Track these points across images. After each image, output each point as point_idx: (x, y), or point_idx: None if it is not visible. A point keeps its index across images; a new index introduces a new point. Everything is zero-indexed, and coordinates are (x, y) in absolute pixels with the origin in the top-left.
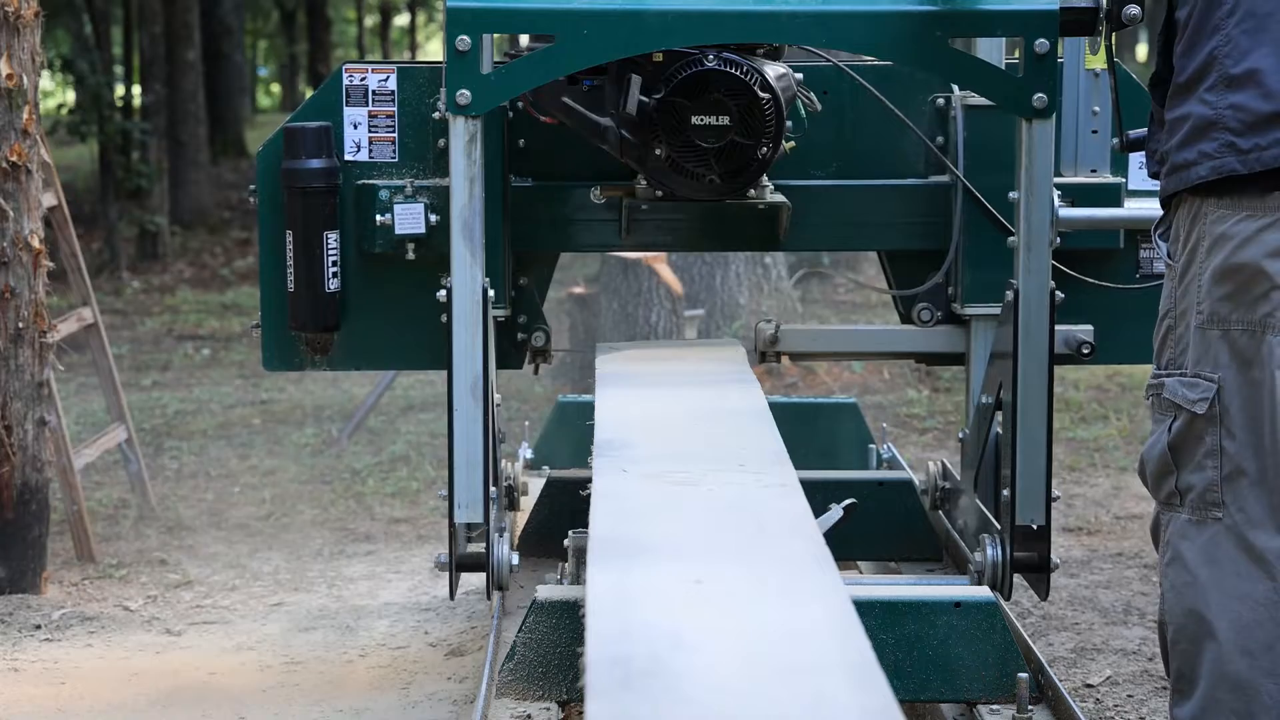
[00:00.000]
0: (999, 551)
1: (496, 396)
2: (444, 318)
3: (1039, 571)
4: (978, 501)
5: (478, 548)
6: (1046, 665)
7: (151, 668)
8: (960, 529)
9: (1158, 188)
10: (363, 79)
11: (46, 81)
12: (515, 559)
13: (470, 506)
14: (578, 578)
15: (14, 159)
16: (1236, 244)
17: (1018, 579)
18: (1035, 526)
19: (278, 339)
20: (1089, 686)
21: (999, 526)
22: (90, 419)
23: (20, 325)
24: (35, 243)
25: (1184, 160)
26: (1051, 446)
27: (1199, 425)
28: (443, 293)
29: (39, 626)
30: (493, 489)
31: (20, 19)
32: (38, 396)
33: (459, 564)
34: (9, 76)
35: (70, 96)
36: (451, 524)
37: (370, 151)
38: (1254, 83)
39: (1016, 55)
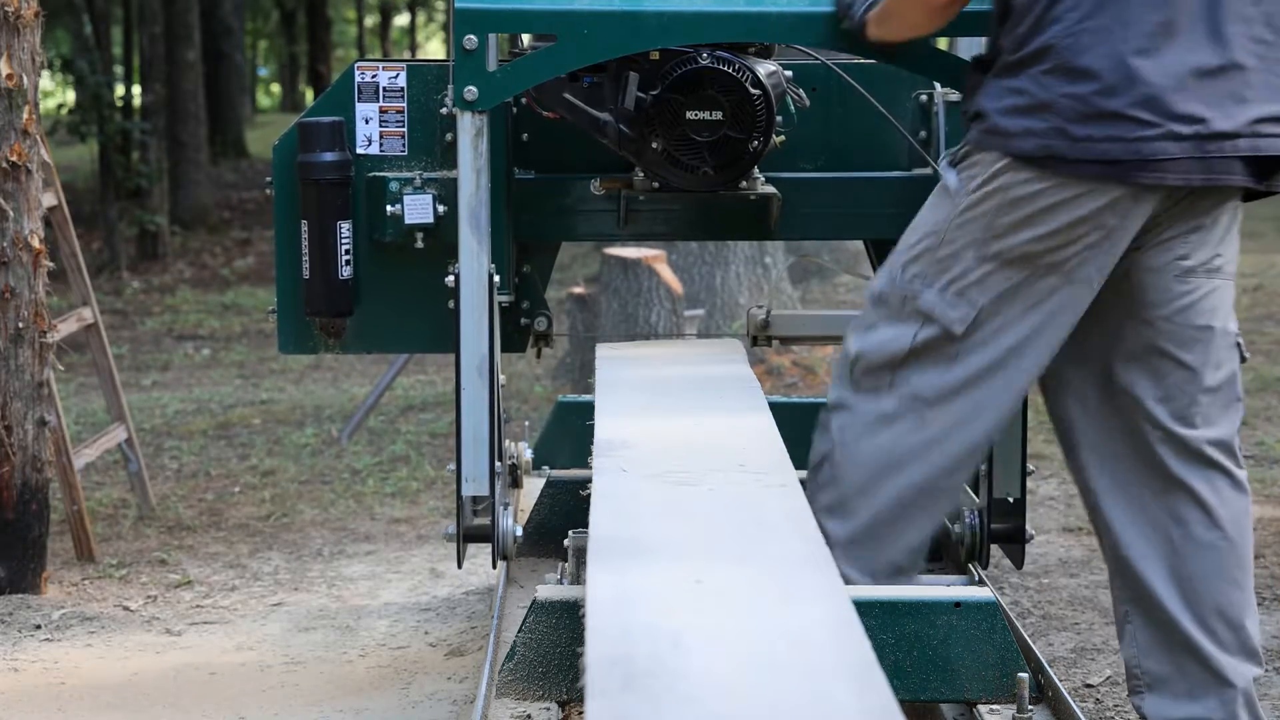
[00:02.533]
0: (977, 523)
1: (501, 377)
2: (451, 303)
3: (1014, 542)
4: None
5: (483, 520)
6: (1046, 665)
7: (151, 668)
8: None
9: None
10: (373, 76)
11: (46, 81)
12: (519, 531)
13: (476, 480)
14: (578, 578)
15: (14, 159)
16: (1052, 203)
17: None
18: (1011, 499)
19: (293, 324)
20: (1089, 686)
21: (977, 500)
22: (90, 419)
23: (20, 325)
24: (35, 243)
25: (1007, 128)
26: (1026, 423)
27: (944, 341)
28: (451, 279)
29: (39, 626)
30: (498, 464)
31: (20, 19)
32: (38, 396)
33: (466, 535)
34: (9, 76)
35: (70, 96)
36: (459, 497)
37: (381, 145)
38: (1095, 79)
39: None
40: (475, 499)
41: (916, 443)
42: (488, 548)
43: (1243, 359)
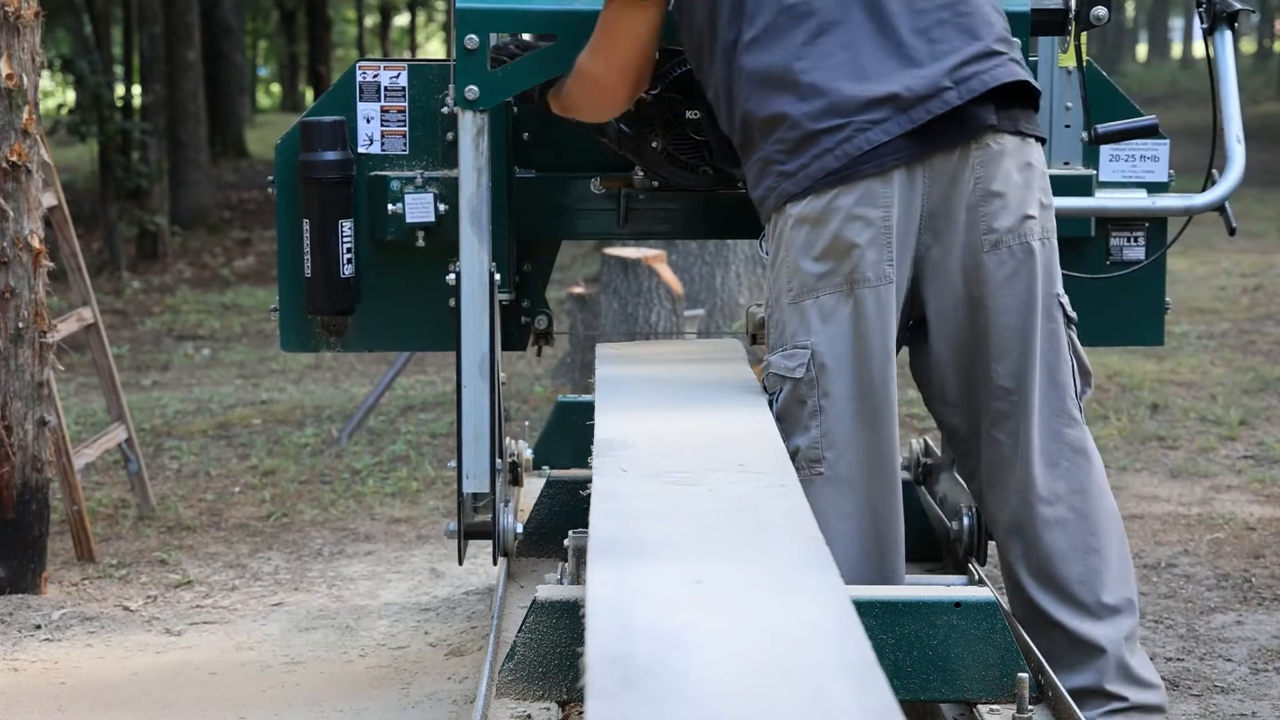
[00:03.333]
0: (974, 521)
1: (502, 375)
2: (452, 301)
3: None
4: (956, 475)
5: (484, 517)
6: (1046, 665)
7: (151, 668)
8: (940, 501)
9: (1126, 178)
10: (375, 76)
11: (46, 81)
12: (519, 527)
13: (478, 477)
14: (578, 578)
15: (14, 159)
16: (813, 221)
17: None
18: None
19: (295, 322)
20: None
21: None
22: (90, 419)
23: (20, 325)
24: (35, 243)
25: (759, 198)
26: None
27: (800, 390)
28: (452, 277)
29: (39, 626)
30: (498, 462)
31: (20, 19)
32: (38, 396)
33: (467, 532)
34: (9, 76)
35: (70, 96)
36: (460, 494)
37: (382, 145)
38: (781, 120)
39: None
40: (476, 496)
41: (833, 505)
42: (488, 546)
43: (1068, 318)
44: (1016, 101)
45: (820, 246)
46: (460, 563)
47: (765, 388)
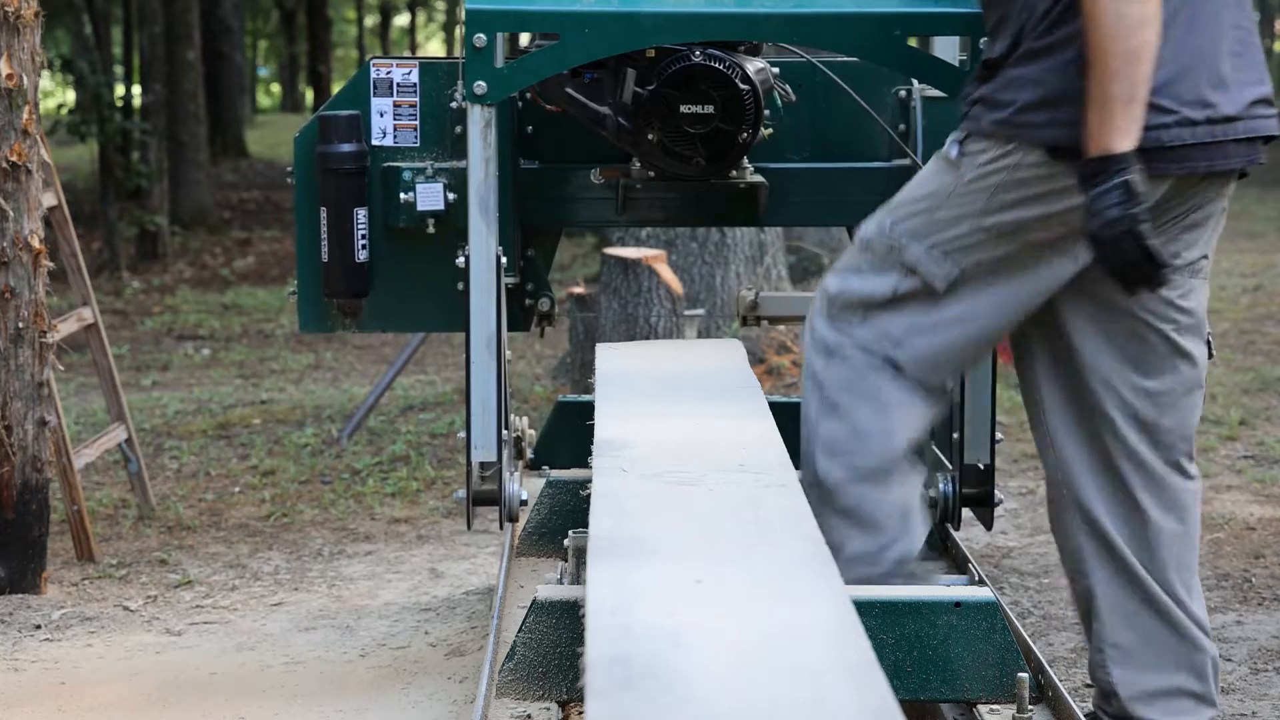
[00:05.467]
0: (950, 488)
1: (507, 353)
2: (461, 284)
3: (984, 506)
4: (933, 445)
5: (491, 486)
6: (1046, 665)
7: (151, 668)
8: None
9: None
10: (388, 72)
11: (46, 81)
12: (524, 495)
13: (485, 447)
14: (578, 578)
15: (14, 159)
16: (1051, 189)
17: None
18: (982, 466)
19: (313, 304)
20: (1089, 686)
21: (951, 467)
22: (90, 419)
23: (20, 325)
24: (35, 243)
25: (1030, 120)
26: (995, 394)
27: (924, 294)
28: (461, 260)
29: (39, 626)
30: (505, 433)
31: (20, 19)
32: (38, 396)
33: (475, 499)
34: (9, 76)
35: (70, 96)
36: (469, 463)
37: (395, 137)
38: None
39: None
40: (483, 465)
41: (883, 381)
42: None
43: (1210, 355)
44: None
45: (1045, 210)
46: (469, 527)
47: (876, 252)
